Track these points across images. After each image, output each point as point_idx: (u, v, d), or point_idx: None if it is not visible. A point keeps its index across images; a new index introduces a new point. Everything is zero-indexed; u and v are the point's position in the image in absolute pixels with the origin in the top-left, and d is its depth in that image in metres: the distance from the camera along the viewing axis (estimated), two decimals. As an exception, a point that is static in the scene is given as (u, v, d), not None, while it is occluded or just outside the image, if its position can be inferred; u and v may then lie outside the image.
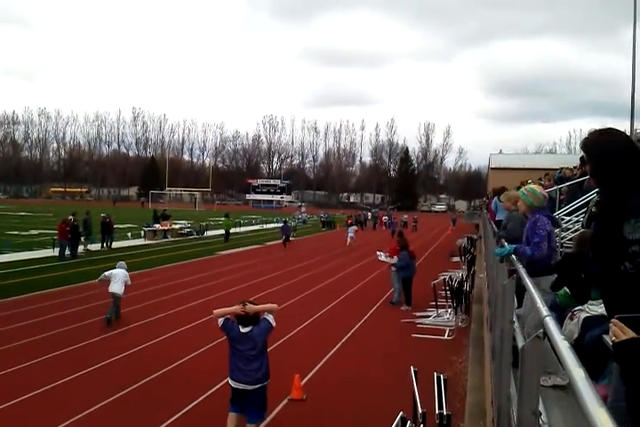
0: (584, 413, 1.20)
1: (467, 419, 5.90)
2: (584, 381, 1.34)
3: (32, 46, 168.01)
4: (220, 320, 6.48)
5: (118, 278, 12.80)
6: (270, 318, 6.52)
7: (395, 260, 15.46)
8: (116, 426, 7.33)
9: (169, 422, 7.35)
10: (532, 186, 5.70)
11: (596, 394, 1.26)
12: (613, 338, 2.01)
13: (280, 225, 36.39)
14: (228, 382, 6.53)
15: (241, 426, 6.44)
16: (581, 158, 3.32)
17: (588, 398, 1.24)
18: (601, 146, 2.48)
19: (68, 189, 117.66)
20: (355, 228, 33.25)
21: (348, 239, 30.78)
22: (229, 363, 6.46)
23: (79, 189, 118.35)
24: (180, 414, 7.61)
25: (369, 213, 58.32)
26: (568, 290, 5.39)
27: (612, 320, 2.04)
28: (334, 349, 11.00)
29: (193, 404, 7.98)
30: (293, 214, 59.47)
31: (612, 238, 2.33)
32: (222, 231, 35.49)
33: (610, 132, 2.53)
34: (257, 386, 6.31)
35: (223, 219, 34.69)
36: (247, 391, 6.30)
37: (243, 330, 6.40)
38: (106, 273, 12.96)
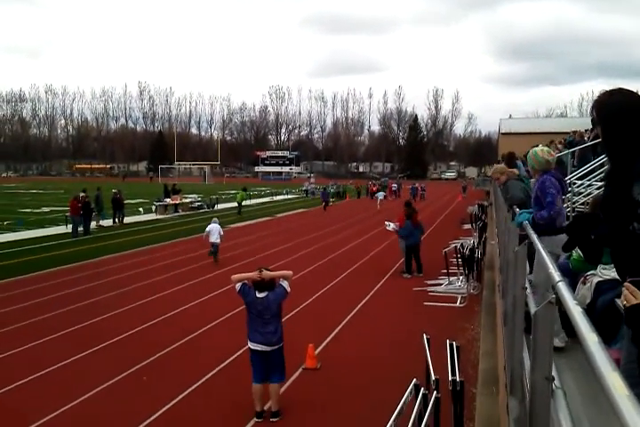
0: (597, 377, 1.18)
1: (479, 385, 5.96)
2: (597, 346, 1.33)
3: (37, 23, 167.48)
4: (238, 285, 6.81)
5: (215, 231, 17.25)
6: (285, 284, 6.83)
7: (395, 226, 15.72)
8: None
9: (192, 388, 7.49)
10: (535, 149, 5.64)
11: (609, 358, 1.24)
12: (624, 302, 1.99)
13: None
14: (248, 346, 6.81)
15: (265, 392, 6.75)
16: (592, 121, 3.20)
17: (602, 363, 1.22)
18: (611, 106, 2.41)
19: (93, 166, 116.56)
20: (383, 193, 40.36)
21: (378, 203, 38.02)
22: (248, 327, 6.79)
23: (104, 166, 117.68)
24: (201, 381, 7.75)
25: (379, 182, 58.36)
26: (580, 253, 5.36)
27: (625, 284, 2.02)
28: (347, 318, 11.08)
29: (212, 372, 8.10)
30: (304, 185, 59.28)
31: (622, 200, 2.29)
32: (233, 204, 35.51)
33: (621, 92, 2.46)
34: (275, 347, 6.69)
35: (239, 192, 34.40)
36: (267, 353, 6.67)
37: (259, 295, 6.72)
38: (207, 229, 17.42)
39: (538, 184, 5.41)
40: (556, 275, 2.32)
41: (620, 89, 2.53)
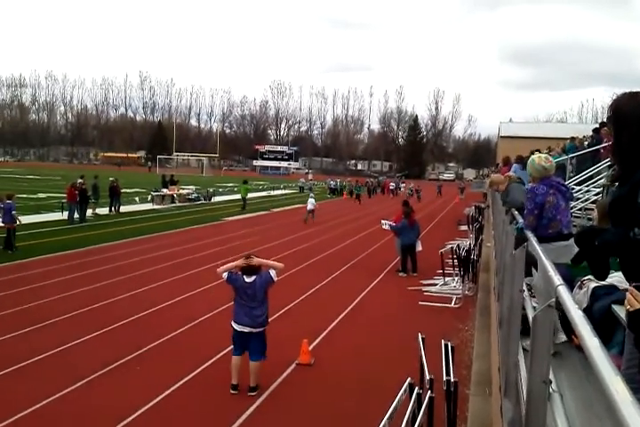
0: (600, 381, 1.21)
1: (472, 386, 6.00)
2: (599, 350, 1.36)
3: (41, 8, 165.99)
4: (225, 275, 7.24)
5: (310, 203, 26.99)
6: (273, 272, 7.27)
7: (390, 225, 15.87)
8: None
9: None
10: (533, 156, 5.66)
11: (611, 363, 1.27)
12: (628, 307, 2.01)
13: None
14: (232, 326, 7.19)
15: (243, 367, 7.18)
16: (607, 119, 3.15)
17: (604, 368, 1.25)
18: (631, 108, 2.42)
19: (119, 155, 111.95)
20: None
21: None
22: (234, 310, 7.25)
23: (135, 155, 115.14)
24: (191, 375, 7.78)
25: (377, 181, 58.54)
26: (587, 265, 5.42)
27: (629, 288, 2.05)
28: (342, 315, 11.12)
29: (199, 369, 8.13)
30: (299, 181, 59.11)
31: (628, 204, 2.32)
32: (229, 197, 35.46)
33: None
34: (260, 329, 7.18)
35: (242, 185, 33.93)
36: (252, 334, 7.12)
37: (247, 280, 7.17)
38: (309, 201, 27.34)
39: (527, 193, 5.45)
40: (557, 279, 2.36)
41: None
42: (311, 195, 29.53)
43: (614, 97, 2.58)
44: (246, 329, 7.10)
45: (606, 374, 1.22)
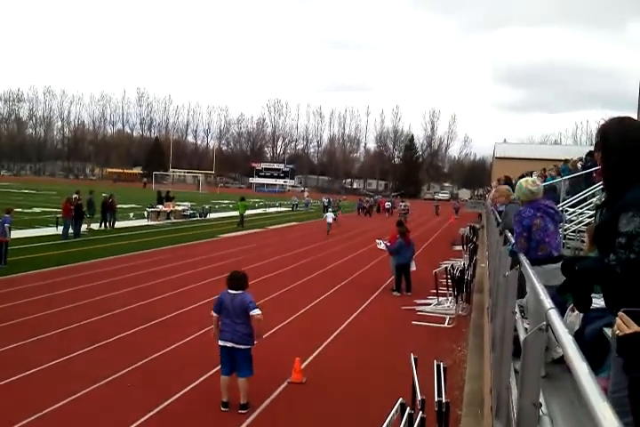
0: (588, 407, 1.22)
1: (464, 407, 5.98)
2: (587, 376, 1.37)
3: (39, 24, 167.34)
4: (215, 308, 7.38)
5: (329, 216, 31.06)
6: (256, 311, 7.19)
7: (386, 244, 15.93)
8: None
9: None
10: (521, 180, 5.70)
11: (600, 389, 1.28)
12: (617, 331, 2.02)
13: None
14: (218, 343, 7.24)
15: (232, 385, 7.22)
16: (595, 145, 3.17)
17: (592, 394, 1.26)
18: (619, 133, 2.44)
19: (119, 171, 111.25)
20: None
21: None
22: (221, 329, 7.25)
23: (137, 171, 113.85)
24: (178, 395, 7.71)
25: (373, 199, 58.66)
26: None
27: (619, 313, 2.06)
28: (335, 334, 11.07)
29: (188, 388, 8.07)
30: (291, 199, 58.27)
31: (609, 229, 2.33)
32: (225, 214, 35.41)
33: (630, 121, 2.51)
34: (245, 347, 7.14)
35: (240, 202, 33.56)
36: (235, 350, 7.12)
37: (232, 292, 7.27)
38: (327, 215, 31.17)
39: (513, 216, 5.49)
40: (547, 302, 2.37)
41: (628, 117, 2.57)
42: (330, 210, 35.72)
43: (602, 122, 2.61)
44: (229, 344, 7.12)
45: (594, 400, 1.24)
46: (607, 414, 1.15)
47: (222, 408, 7.15)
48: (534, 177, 6.71)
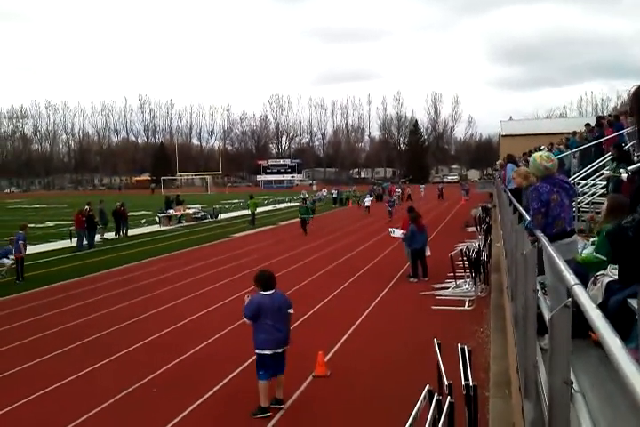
0: (624, 383, 1.16)
1: (492, 388, 5.91)
2: (621, 351, 1.31)
3: (34, 39, 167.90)
4: (248, 313, 7.06)
5: (367, 201, 37.99)
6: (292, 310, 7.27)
7: (400, 233, 15.83)
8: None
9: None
10: (534, 155, 5.58)
11: (635, 363, 1.22)
12: None
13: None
14: (259, 352, 7.03)
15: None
16: (630, 109, 3.06)
17: (628, 369, 1.20)
18: None
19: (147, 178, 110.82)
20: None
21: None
22: (258, 334, 7.01)
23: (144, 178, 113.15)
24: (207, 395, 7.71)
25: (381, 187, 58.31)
26: (594, 252, 5.35)
27: None
28: (355, 324, 11.03)
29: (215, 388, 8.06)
30: (301, 193, 57.93)
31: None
32: (236, 214, 35.40)
33: None
34: (285, 348, 7.11)
35: (250, 201, 33.44)
36: (278, 354, 7.03)
37: (266, 293, 7.06)
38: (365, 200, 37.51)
39: (530, 192, 5.39)
40: (571, 278, 2.30)
41: None
42: (368, 195, 41.89)
43: (633, 88, 2.53)
44: (279, 350, 7.02)
45: (630, 373, 1.18)
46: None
47: (262, 414, 6.90)
48: (547, 152, 6.55)
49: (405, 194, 51.90)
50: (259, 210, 36.40)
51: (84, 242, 23.76)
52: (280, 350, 7.03)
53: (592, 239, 6.20)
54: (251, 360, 8.39)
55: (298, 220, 29.34)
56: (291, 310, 7.21)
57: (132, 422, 7.04)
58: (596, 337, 4.67)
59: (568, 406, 2.08)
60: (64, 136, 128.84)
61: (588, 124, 17.69)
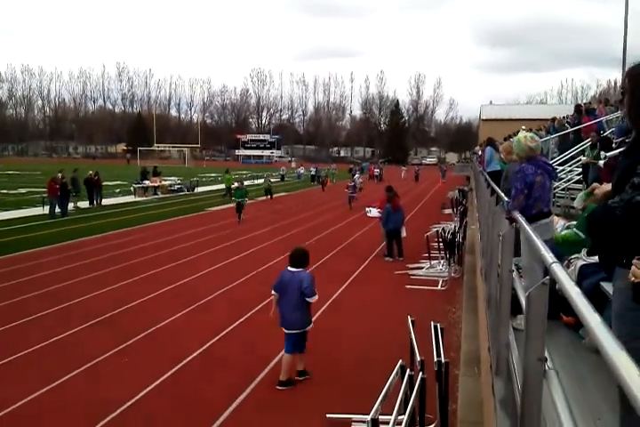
0: (605, 358, 1.18)
1: (462, 366, 6.03)
2: (601, 326, 1.33)
3: (13, 1, 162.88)
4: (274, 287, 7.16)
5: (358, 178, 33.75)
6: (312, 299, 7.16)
7: (376, 213, 15.88)
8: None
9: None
10: (519, 136, 5.63)
11: (615, 338, 1.24)
12: (633, 278, 2.00)
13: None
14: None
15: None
16: (622, 89, 3.06)
17: (607, 344, 1.22)
18: None
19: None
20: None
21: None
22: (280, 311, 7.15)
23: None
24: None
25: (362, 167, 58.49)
26: (571, 231, 5.44)
27: (634, 261, 2.03)
28: (330, 300, 11.09)
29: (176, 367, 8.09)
30: (280, 169, 57.56)
31: (628, 174, 2.28)
32: (212, 187, 35.23)
33: None
34: (299, 331, 7.13)
35: (225, 175, 33.72)
36: (290, 334, 7.11)
37: (292, 269, 7.15)
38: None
39: (512, 173, 5.43)
40: (550, 257, 2.33)
41: None
42: (357, 174, 38.61)
43: (628, 69, 2.53)
44: (288, 331, 7.11)
45: (611, 350, 1.19)
46: (626, 362, 1.11)
47: (279, 387, 6.97)
48: (531, 133, 6.61)
49: (373, 175, 52.57)
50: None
51: (57, 210, 23.48)
52: (288, 331, 7.07)
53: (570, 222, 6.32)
54: (229, 329, 8.49)
55: (277, 195, 29.03)
56: (310, 299, 7.07)
57: (108, 387, 7.03)
58: (567, 319, 4.77)
59: (541, 383, 2.12)
60: (40, 102, 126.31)
61: (578, 106, 18.14)
